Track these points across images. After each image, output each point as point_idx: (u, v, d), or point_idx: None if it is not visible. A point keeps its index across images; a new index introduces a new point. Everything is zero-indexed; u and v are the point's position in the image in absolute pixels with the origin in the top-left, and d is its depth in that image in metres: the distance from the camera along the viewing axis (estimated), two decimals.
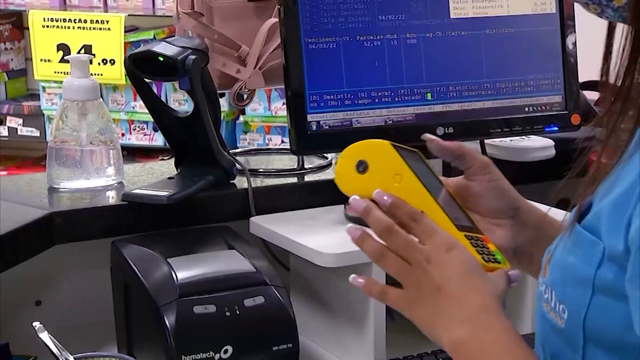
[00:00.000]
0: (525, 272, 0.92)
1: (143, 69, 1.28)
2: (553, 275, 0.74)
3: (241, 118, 3.17)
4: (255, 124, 3.16)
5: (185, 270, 1.14)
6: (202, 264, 1.17)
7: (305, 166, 1.46)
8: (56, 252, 1.26)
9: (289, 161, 1.49)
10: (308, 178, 1.43)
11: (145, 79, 1.31)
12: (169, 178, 1.33)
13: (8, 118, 3.47)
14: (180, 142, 1.35)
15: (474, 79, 1.32)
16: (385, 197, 0.80)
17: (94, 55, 3.13)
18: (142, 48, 1.28)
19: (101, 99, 1.37)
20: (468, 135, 1.34)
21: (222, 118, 3.06)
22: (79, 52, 3.00)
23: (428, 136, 0.89)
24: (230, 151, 1.39)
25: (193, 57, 1.26)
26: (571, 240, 0.73)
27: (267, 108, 3.13)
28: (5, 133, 3.46)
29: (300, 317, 1.16)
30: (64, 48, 3.14)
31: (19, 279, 1.29)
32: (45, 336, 1.11)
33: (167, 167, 1.42)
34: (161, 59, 1.26)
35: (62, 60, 3.02)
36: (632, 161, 0.70)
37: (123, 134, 3.26)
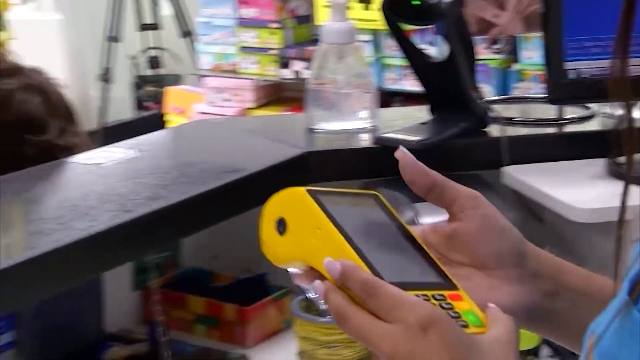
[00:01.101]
0: (549, 338, 0.71)
1: (399, 13, 1.29)
2: None
3: (515, 66, 3.08)
4: (529, 72, 3.05)
5: (429, 216, 1.15)
6: None
7: (567, 116, 1.39)
8: None
9: (548, 111, 1.43)
10: (568, 129, 1.37)
11: (400, 24, 1.31)
12: (422, 123, 1.33)
13: (294, 62, 3.65)
14: (434, 87, 1.34)
15: None
16: (333, 266, 0.59)
17: (369, 2, 3.18)
18: None
19: (358, 43, 1.39)
20: None
21: (495, 66, 3.02)
22: None
23: (401, 151, 0.67)
24: (485, 98, 1.36)
25: (450, 0, 1.24)
26: (624, 327, 0.53)
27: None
28: (291, 76, 3.65)
29: None
30: None
31: None
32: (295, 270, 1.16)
33: (422, 112, 1.42)
34: (417, 2, 1.26)
35: None
36: None
37: (397, 79, 3.30)
